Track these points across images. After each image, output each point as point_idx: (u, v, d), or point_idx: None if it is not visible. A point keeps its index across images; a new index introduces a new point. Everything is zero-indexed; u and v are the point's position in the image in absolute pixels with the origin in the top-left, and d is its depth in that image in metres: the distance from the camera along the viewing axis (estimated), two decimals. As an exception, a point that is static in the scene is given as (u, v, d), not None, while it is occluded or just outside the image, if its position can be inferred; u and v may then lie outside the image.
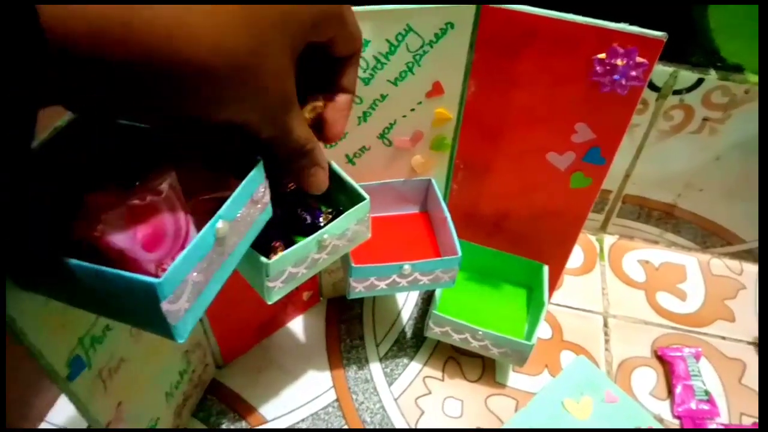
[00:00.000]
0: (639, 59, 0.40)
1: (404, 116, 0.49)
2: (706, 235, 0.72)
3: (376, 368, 0.61)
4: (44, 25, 0.17)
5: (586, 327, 0.65)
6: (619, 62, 0.41)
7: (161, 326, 0.26)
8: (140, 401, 0.45)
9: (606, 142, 0.47)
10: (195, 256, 0.27)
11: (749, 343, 0.65)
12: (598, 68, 0.42)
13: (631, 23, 0.40)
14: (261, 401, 0.58)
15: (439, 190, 0.55)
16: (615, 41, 0.41)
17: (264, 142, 0.28)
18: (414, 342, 0.63)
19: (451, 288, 0.62)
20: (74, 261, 0.25)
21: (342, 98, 0.33)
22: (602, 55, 0.41)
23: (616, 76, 0.41)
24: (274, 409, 0.57)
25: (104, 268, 0.25)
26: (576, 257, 0.74)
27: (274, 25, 0.24)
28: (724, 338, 0.65)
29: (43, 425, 0.54)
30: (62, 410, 0.54)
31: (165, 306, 0.25)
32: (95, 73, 0.20)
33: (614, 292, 0.70)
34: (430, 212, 0.57)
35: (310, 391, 0.59)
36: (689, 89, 0.59)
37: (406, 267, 0.48)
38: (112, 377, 0.40)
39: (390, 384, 0.59)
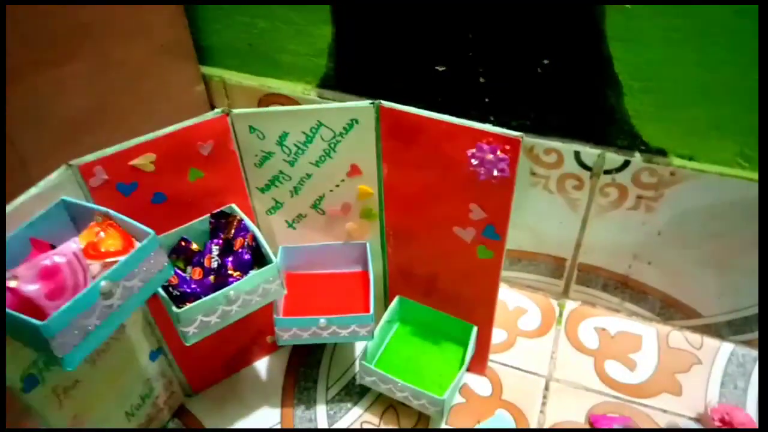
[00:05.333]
0: (500, 154, 0.47)
1: (331, 190, 0.58)
2: (665, 307, 0.74)
3: (321, 410, 0.68)
4: None
5: (527, 388, 0.69)
6: (487, 156, 0.48)
7: (52, 355, 0.36)
8: (97, 416, 0.55)
9: (497, 221, 0.53)
10: (79, 306, 0.37)
11: (691, 418, 0.65)
12: (472, 160, 0.49)
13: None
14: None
15: (370, 254, 0.62)
16: (482, 139, 0.47)
17: None
18: (361, 389, 0.69)
19: (395, 341, 0.69)
20: None
21: None
22: (472, 150, 0.48)
23: (485, 168, 0.48)
24: (227, 438, 0.65)
25: (10, 311, 0.35)
26: (533, 320, 0.77)
27: None
28: (665, 411, 0.66)
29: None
30: None
31: (52, 342, 0.35)
32: None
33: (563, 357, 0.72)
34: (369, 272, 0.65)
35: (260, 424, 0.66)
36: (618, 170, 0.63)
37: (322, 321, 0.56)
38: (68, 394, 0.51)
39: (330, 425, 0.66)
